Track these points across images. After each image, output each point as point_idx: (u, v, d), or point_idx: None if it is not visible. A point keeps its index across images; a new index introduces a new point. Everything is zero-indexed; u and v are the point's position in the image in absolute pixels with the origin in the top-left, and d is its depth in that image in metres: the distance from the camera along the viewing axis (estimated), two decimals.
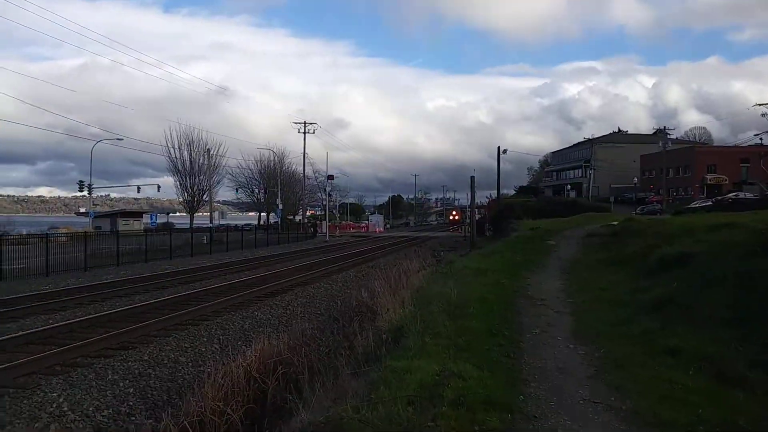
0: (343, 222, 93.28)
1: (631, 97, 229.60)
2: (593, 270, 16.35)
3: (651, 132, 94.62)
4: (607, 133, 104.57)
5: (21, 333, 12.74)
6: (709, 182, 67.67)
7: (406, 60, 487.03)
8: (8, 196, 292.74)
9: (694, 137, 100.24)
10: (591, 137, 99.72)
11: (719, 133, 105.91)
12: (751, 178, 64.95)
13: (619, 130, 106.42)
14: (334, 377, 7.59)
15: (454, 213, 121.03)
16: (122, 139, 54.80)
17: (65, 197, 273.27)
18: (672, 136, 76.05)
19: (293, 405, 7.44)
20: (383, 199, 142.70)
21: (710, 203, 45.31)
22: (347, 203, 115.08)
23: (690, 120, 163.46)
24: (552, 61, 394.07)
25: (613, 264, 16.20)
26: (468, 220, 55.71)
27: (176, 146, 62.21)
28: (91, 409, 9.17)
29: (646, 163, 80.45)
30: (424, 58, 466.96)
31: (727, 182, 66.16)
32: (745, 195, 49.41)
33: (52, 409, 8.80)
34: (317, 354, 10.83)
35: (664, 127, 75.14)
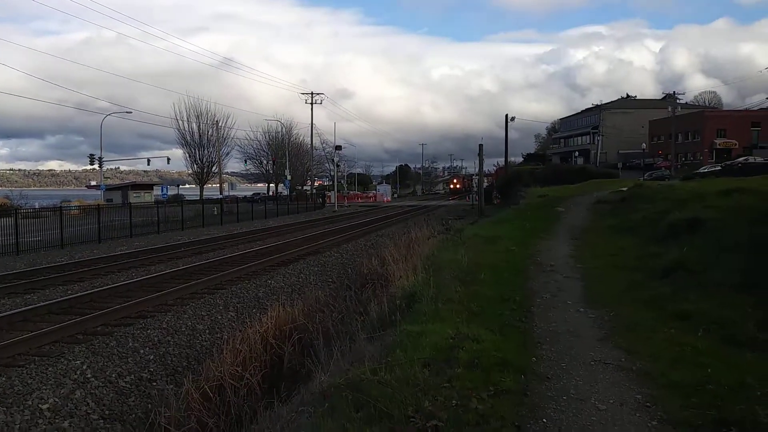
0: (351, 192, 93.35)
1: (638, 63, 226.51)
2: (603, 236, 16.42)
3: (660, 97, 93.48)
4: (613, 99, 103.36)
5: (42, 303, 13.05)
6: (718, 147, 66.96)
7: (413, 28, 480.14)
8: (19, 170, 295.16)
9: (704, 102, 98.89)
10: (599, 103, 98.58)
11: (726, 98, 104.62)
12: (762, 143, 64.26)
13: (628, 96, 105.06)
14: (351, 341, 7.78)
15: (455, 181, 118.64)
16: (131, 112, 54.99)
17: (75, 170, 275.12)
18: (681, 101, 75.14)
19: (311, 368, 7.67)
20: (390, 169, 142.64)
21: (719, 168, 44.94)
22: (355, 173, 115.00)
23: (697, 85, 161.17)
24: (558, 27, 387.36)
25: (623, 230, 16.26)
26: (475, 188, 55.68)
27: (185, 118, 62.40)
28: (113, 375, 9.47)
29: (654, 128, 79.59)
30: (430, 26, 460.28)
31: (737, 146, 65.43)
32: (755, 159, 48.88)
33: (76, 376, 9.10)
34: (331, 320, 11.04)
35: (674, 92, 74.22)
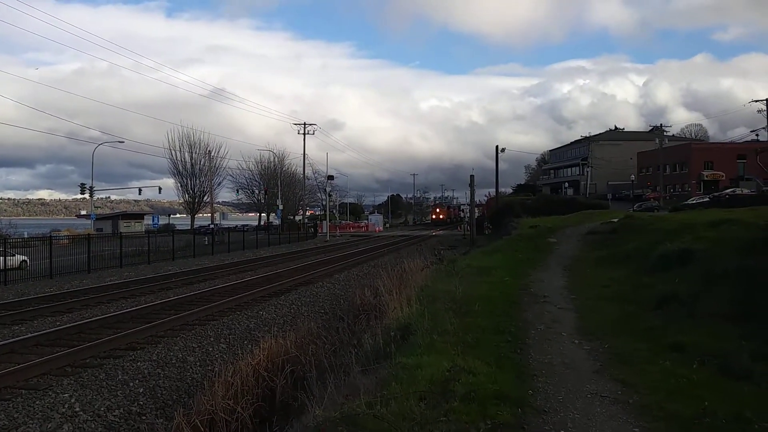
0: (343, 222, 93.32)
1: (621, 96, 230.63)
2: (595, 267, 16.49)
3: (647, 129, 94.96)
4: (599, 131, 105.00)
5: (30, 335, 12.86)
6: (706, 178, 67.78)
7: (404, 61, 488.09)
8: (9, 199, 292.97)
9: (691, 134, 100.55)
10: (588, 135, 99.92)
11: (708, 131, 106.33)
12: (748, 174, 65.13)
13: (616, 128, 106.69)
14: (345, 374, 7.71)
15: (437, 211, 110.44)
16: (123, 142, 55.07)
17: (66, 200, 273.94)
18: (668, 133, 76.38)
19: (304, 401, 7.57)
20: (382, 198, 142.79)
21: (707, 199, 45.40)
22: (347, 203, 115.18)
23: (679, 118, 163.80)
24: (542, 61, 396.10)
25: (615, 261, 16.33)
26: (466, 218, 55.86)
27: (178, 148, 62.60)
28: (102, 409, 9.29)
29: (643, 160, 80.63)
30: (422, 60, 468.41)
31: (723, 178, 66.27)
32: (742, 191, 49.55)
33: (64, 410, 8.92)
34: (324, 352, 10.95)
35: (661, 124, 75.68)
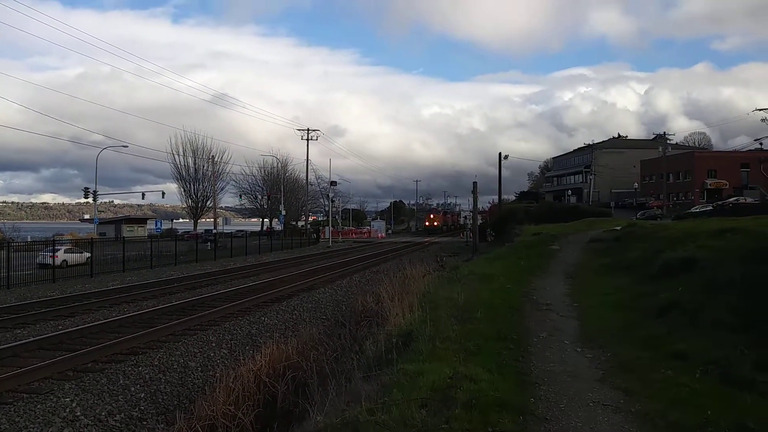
0: (345, 228, 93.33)
1: (622, 104, 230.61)
2: (597, 275, 16.44)
3: (650, 137, 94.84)
4: (600, 139, 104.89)
5: (32, 339, 12.89)
6: (709, 187, 67.69)
7: (408, 68, 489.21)
8: (12, 202, 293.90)
9: (694, 142, 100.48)
10: (590, 143, 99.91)
11: (711, 140, 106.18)
12: (752, 183, 65.06)
13: (619, 136, 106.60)
14: (347, 381, 7.70)
15: (431, 217, 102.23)
16: (127, 146, 55.52)
17: (69, 204, 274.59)
18: (671, 142, 76.26)
19: (305, 408, 7.56)
20: (384, 205, 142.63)
21: (711, 208, 45.33)
22: (349, 209, 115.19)
23: (680, 126, 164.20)
24: (543, 69, 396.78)
25: (618, 269, 16.28)
26: (469, 225, 55.81)
27: (181, 152, 62.76)
28: (103, 413, 9.30)
29: (646, 168, 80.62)
30: (426, 67, 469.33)
31: (727, 187, 66.19)
32: (745, 200, 49.46)
33: (65, 414, 8.93)
34: (326, 358, 10.93)
35: (664, 132, 75.47)
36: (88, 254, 30.60)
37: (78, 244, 33.73)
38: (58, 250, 29.03)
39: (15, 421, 8.41)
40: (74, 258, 30.49)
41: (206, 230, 57.87)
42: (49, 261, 27.19)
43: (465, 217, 78.61)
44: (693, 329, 8.79)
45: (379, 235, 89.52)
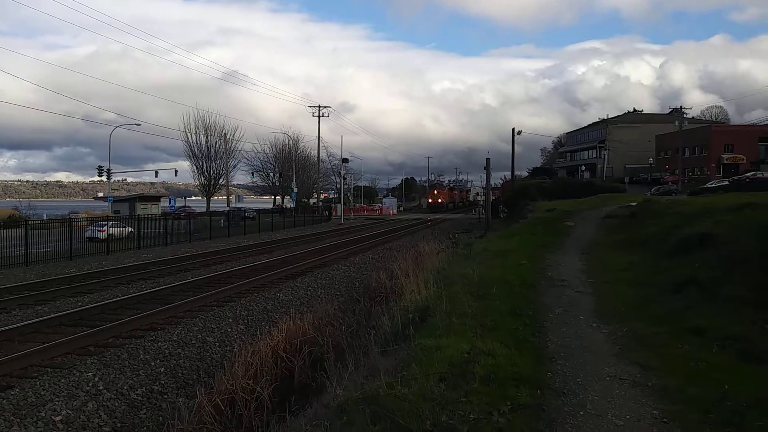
0: (357, 205, 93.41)
1: (635, 78, 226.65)
2: (613, 251, 16.38)
3: (666, 112, 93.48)
4: (613, 113, 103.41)
5: (53, 315, 13.12)
6: (726, 162, 66.75)
7: (421, 43, 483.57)
8: (27, 181, 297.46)
9: (711, 116, 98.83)
10: (605, 117, 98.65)
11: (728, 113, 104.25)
12: None
13: (634, 110, 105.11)
14: (364, 355, 7.78)
15: (435, 192, 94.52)
16: (140, 124, 55.47)
17: (83, 182, 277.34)
18: (687, 116, 75.13)
19: (323, 382, 7.67)
20: (396, 182, 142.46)
21: (727, 183, 44.73)
22: (360, 186, 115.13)
23: (696, 100, 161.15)
24: (555, 42, 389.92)
25: (633, 245, 16.22)
26: (481, 201, 55.68)
27: (193, 130, 62.98)
28: (125, 387, 9.49)
29: (661, 143, 79.54)
30: (438, 41, 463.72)
31: (744, 162, 65.23)
32: (762, 174, 48.68)
33: (88, 388, 9.13)
34: (342, 334, 11.05)
35: (680, 106, 74.37)
36: (131, 228, 34.68)
37: (119, 220, 38.10)
38: (105, 225, 32.26)
39: (41, 395, 8.62)
40: (119, 232, 34.30)
41: (237, 207, 58.08)
42: (98, 235, 31.24)
43: (477, 194, 78.34)
44: (710, 305, 8.76)
45: (391, 212, 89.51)
